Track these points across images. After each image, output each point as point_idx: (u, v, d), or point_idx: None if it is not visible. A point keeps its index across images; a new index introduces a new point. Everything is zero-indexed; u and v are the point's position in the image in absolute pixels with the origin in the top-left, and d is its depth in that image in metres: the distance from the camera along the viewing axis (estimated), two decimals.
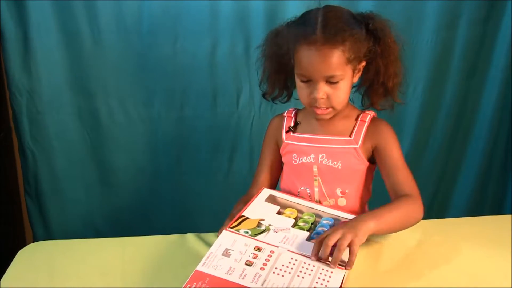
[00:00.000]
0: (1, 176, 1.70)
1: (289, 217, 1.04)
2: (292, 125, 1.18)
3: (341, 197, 1.14)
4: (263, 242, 0.95)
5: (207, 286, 0.84)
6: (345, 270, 0.87)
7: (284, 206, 1.09)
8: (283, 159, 1.19)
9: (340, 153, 1.12)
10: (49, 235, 1.79)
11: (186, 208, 1.84)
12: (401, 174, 1.10)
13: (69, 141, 1.72)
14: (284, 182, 1.21)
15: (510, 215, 1.21)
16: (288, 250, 0.93)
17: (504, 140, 1.90)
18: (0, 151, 1.69)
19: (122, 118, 1.72)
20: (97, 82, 1.67)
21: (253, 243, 0.94)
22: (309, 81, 1.05)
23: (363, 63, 1.09)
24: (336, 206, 1.14)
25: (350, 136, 1.13)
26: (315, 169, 1.13)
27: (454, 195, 1.97)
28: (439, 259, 1.05)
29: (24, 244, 1.16)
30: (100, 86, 1.68)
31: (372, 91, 1.14)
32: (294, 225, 1.02)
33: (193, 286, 0.84)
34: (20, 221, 1.84)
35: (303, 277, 0.87)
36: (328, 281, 0.87)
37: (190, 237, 1.12)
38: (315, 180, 1.14)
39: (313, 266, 0.89)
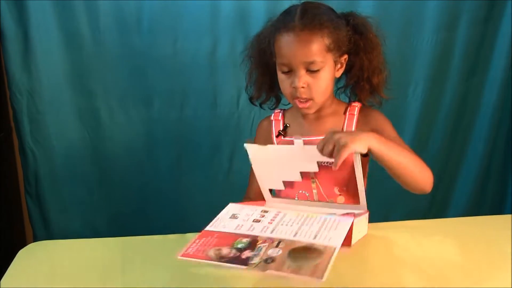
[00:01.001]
0: (1, 176, 1.70)
1: None
2: (281, 129, 1.16)
3: (340, 195, 1.13)
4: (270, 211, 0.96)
5: (216, 239, 0.86)
6: (353, 218, 0.88)
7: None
8: None
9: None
10: (49, 235, 1.79)
11: (186, 208, 1.84)
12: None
13: (69, 141, 1.72)
14: None
15: (510, 215, 1.21)
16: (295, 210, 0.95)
17: (504, 140, 1.91)
18: (0, 151, 1.70)
19: (122, 118, 1.72)
20: (97, 82, 1.67)
21: (260, 208, 0.97)
22: (290, 71, 1.04)
23: (345, 57, 1.09)
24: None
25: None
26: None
27: (454, 195, 1.97)
28: (439, 259, 1.05)
29: (24, 244, 1.16)
30: (100, 86, 1.68)
31: (359, 88, 1.13)
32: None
33: (201, 240, 0.85)
34: (20, 221, 1.84)
35: (311, 225, 0.88)
36: (335, 228, 0.87)
37: (190, 237, 1.12)
38: (313, 182, 1.12)
39: (320, 216, 0.90)
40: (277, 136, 1.16)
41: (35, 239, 1.82)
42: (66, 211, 1.80)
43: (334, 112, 1.14)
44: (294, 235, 0.85)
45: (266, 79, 1.15)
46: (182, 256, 0.83)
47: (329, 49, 1.03)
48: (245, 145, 1.05)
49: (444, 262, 1.05)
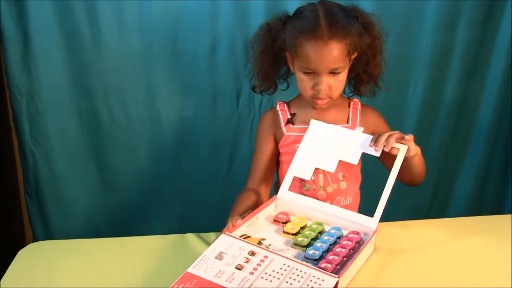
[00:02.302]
0: (1, 176, 1.70)
1: (291, 231, 1.04)
2: (289, 117, 1.22)
3: (343, 180, 1.20)
4: (260, 247, 0.94)
5: (194, 287, 0.85)
6: (336, 278, 0.85)
7: (294, 213, 1.10)
8: (284, 151, 1.22)
9: None
10: (49, 235, 1.79)
11: (186, 208, 1.84)
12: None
13: (69, 141, 1.72)
14: (284, 171, 1.22)
15: (510, 215, 1.21)
16: (282, 256, 0.91)
17: (504, 140, 1.90)
18: (0, 151, 1.69)
19: (122, 118, 1.72)
20: (97, 82, 1.66)
21: (248, 247, 0.94)
22: (312, 73, 1.11)
23: (356, 54, 1.16)
24: (339, 191, 1.19)
25: (347, 123, 1.21)
26: None
27: (454, 195, 1.97)
28: (439, 259, 1.05)
29: (24, 244, 1.16)
30: (100, 86, 1.67)
31: (358, 80, 1.22)
32: (296, 242, 1.01)
33: (180, 287, 0.85)
34: (20, 221, 1.84)
35: (291, 283, 0.85)
36: None
37: (190, 237, 1.12)
38: None
39: (304, 273, 0.87)
40: (285, 124, 1.22)
41: (35, 239, 1.82)
42: (66, 211, 1.80)
43: (339, 104, 1.22)
44: None
45: (273, 71, 1.22)
46: None
47: (348, 53, 1.12)
48: (312, 120, 1.15)
49: (444, 262, 1.05)
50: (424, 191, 1.87)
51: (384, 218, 1.07)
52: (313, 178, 1.19)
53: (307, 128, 1.18)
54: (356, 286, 0.95)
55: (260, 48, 1.20)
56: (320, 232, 1.04)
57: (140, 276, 1.01)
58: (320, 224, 1.06)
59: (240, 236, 1.02)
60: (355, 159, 1.09)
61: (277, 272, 0.88)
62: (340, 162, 1.12)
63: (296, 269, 0.88)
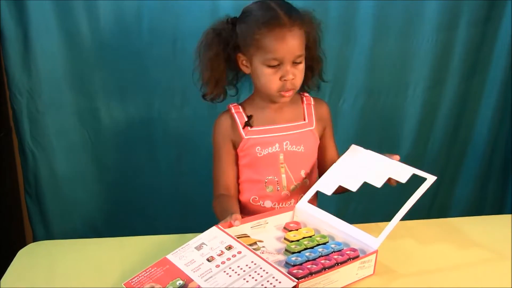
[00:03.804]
0: (1, 176, 1.70)
1: (291, 239, 1.03)
2: (247, 120, 1.20)
3: (305, 178, 1.21)
4: (240, 243, 0.95)
5: (162, 272, 0.91)
6: (294, 282, 0.85)
7: (306, 224, 1.11)
8: (243, 154, 1.20)
9: (301, 137, 1.19)
10: (49, 235, 1.79)
11: (186, 208, 1.84)
12: (334, 150, 1.27)
13: (69, 141, 1.72)
14: (243, 174, 1.22)
15: (510, 215, 1.21)
16: (255, 254, 0.92)
17: (504, 140, 1.91)
18: (0, 151, 1.69)
19: (122, 118, 1.72)
20: (97, 82, 1.67)
21: (229, 241, 0.96)
22: (277, 65, 1.10)
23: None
24: (301, 189, 1.20)
25: (304, 120, 1.21)
26: (281, 157, 1.18)
27: (454, 195, 1.97)
28: (439, 259, 1.05)
29: (24, 244, 1.16)
30: (100, 86, 1.67)
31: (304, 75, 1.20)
32: (287, 248, 1.01)
33: (153, 269, 0.92)
34: (20, 221, 1.84)
35: (247, 281, 0.86)
36: None
37: (190, 237, 1.12)
38: (282, 167, 1.19)
39: (266, 273, 0.87)
40: (243, 127, 1.19)
41: (35, 239, 1.82)
42: (66, 211, 1.80)
43: (293, 101, 1.22)
44: None
45: (224, 75, 1.21)
46: (125, 285, 0.92)
47: (305, 42, 1.13)
48: (353, 145, 1.17)
49: (444, 262, 1.05)
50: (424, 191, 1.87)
51: (385, 218, 1.07)
52: (276, 179, 1.19)
53: (268, 129, 1.18)
54: (356, 286, 0.95)
55: (211, 54, 1.17)
56: (320, 244, 1.02)
57: None
58: (324, 237, 1.04)
59: (239, 234, 1.02)
60: (379, 183, 1.08)
61: (241, 268, 0.89)
62: (302, 159, 1.17)
63: (260, 268, 0.89)
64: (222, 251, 0.94)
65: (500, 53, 1.78)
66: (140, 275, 0.92)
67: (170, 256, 0.95)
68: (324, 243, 1.02)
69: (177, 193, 1.82)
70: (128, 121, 1.72)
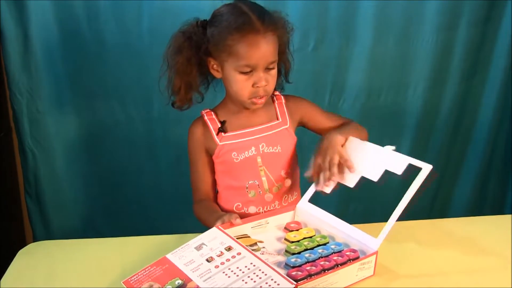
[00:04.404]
0: (1, 176, 1.70)
1: (291, 239, 1.03)
2: (220, 126, 1.16)
3: (286, 178, 1.18)
4: (240, 244, 0.95)
5: (162, 271, 0.91)
6: (293, 285, 0.85)
7: (307, 224, 1.10)
8: (219, 161, 1.16)
9: (277, 137, 1.16)
10: (49, 235, 1.79)
11: (186, 208, 1.83)
12: (335, 118, 1.22)
13: (69, 141, 1.72)
14: (223, 181, 1.19)
15: (510, 215, 1.21)
16: (254, 255, 0.92)
17: (504, 140, 1.91)
18: (0, 151, 1.69)
19: (122, 118, 1.72)
20: (97, 82, 1.67)
21: (228, 242, 0.96)
22: (249, 72, 1.07)
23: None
24: (284, 189, 1.18)
25: (277, 119, 1.17)
26: (259, 159, 1.15)
27: (454, 195, 1.97)
28: (440, 260, 1.05)
29: (24, 244, 1.16)
30: (100, 86, 1.67)
31: None
32: (288, 249, 1.01)
33: (152, 268, 0.92)
34: (20, 221, 1.84)
35: (246, 282, 0.86)
36: None
37: (190, 237, 1.12)
38: (261, 170, 1.15)
39: (265, 274, 0.87)
40: (217, 134, 1.16)
41: (35, 239, 1.82)
42: (66, 211, 1.80)
43: (265, 102, 1.16)
44: None
45: (196, 80, 1.16)
46: (124, 283, 0.91)
47: (277, 47, 1.10)
48: (350, 137, 1.12)
49: (444, 262, 1.05)
50: (425, 191, 1.87)
51: (385, 219, 1.07)
52: (256, 183, 1.15)
53: (242, 133, 1.14)
54: (356, 286, 0.95)
55: (182, 59, 1.12)
56: (321, 245, 1.02)
57: None
58: (325, 237, 1.04)
59: (240, 235, 1.02)
60: (376, 176, 1.06)
61: (240, 270, 0.89)
62: (281, 159, 1.15)
63: (259, 270, 0.88)
64: (221, 252, 0.94)
65: (500, 53, 1.78)
66: (139, 274, 0.92)
67: (169, 256, 0.95)
68: (325, 244, 1.02)
69: (177, 193, 1.82)
70: (128, 121, 1.72)
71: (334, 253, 0.98)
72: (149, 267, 0.93)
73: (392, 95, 1.79)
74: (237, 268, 0.90)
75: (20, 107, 1.66)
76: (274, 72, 1.10)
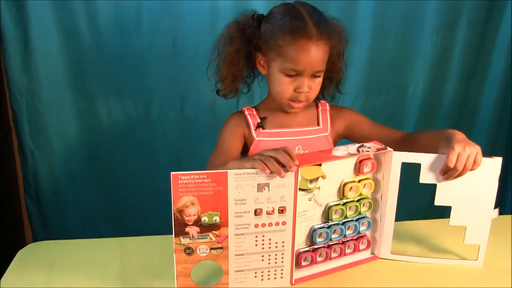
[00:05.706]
0: (1, 176, 1.70)
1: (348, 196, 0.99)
2: (259, 121, 1.16)
3: None
4: (294, 209, 0.90)
5: (211, 192, 0.88)
6: (290, 285, 0.91)
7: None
8: None
9: (315, 142, 1.15)
10: (49, 235, 1.79)
11: None
12: (389, 128, 1.17)
13: (68, 141, 1.72)
14: None
15: (510, 215, 1.21)
16: (292, 233, 0.91)
17: (503, 141, 1.91)
18: (0, 151, 1.69)
19: (122, 118, 1.72)
20: (97, 82, 1.67)
21: (289, 200, 0.89)
22: (294, 75, 1.06)
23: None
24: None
25: (318, 125, 1.17)
26: None
27: None
28: (439, 259, 1.05)
29: (24, 244, 1.16)
30: (100, 87, 1.67)
31: (322, 84, 1.15)
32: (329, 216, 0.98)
33: (207, 180, 0.90)
34: (20, 221, 1.84)
35: (263, 260, 0.90)
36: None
37: None
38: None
39: (282, 261, 0.91)
40: (255, 129, 1.16)
41: (35, 239, 1.82)
42: (66, 211, 1.80)
43: (308, 105, 1.16)
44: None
45: (242, 72, 1.16)
46: (173, 175, 0.94)
47: (328, 55, 1.09)
48: (394, 152, 1.00)
49: (444, 262, 1.05)
50: (424, 191, 1.87)
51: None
52: None
53: (280, 132, 1.15)
54: (355, 286, 0.95)
55: (232, 49, 1.12)
56: (357, 220, 1.01)
57: (140, 276, 1.01)
58: (370, 206, 1.02)
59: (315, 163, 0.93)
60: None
61: (269, 243, 0.90)
62: None
63: (282, 254, 0.91)
64: (273, 210, 0.89)
65: (500, 53, 1.78)
66: (192, 177, 0.90)
67: (230, 176, 0.86)
68: (360, 219, 1.02)
69: None
70: (128, 122, 1.72)
71: (356, 237, 1.01)
72: (205, 176, 0.87)
73: (391, 95, 1.79)
74: (269, 240, 0.90)
75: (20, 107, 1.66)
76: (319, 80, 1.09)
